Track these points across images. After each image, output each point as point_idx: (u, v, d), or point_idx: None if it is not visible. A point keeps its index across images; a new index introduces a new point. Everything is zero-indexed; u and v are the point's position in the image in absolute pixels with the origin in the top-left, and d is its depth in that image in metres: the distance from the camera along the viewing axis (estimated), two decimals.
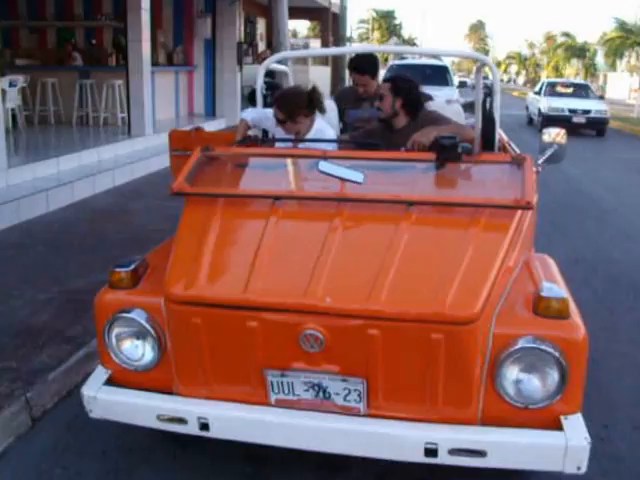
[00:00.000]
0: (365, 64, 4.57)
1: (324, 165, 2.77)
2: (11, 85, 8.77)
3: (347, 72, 14.25)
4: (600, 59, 43.84)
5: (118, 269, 2.54)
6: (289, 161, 3.26)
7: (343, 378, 2.16)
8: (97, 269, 4.72)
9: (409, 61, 17.03)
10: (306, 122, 3.71)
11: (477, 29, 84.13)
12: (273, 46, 15.22)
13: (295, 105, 3.67)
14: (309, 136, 3.78)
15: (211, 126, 11.31)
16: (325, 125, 3.94)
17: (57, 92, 10.42)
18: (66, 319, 3.85)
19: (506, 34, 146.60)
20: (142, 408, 2.39)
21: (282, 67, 4.89)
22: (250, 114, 4.04)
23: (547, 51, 56.35)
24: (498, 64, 79.69)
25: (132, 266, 2.55)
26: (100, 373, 2.53)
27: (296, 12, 15.96)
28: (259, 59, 15.16)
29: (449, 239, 2.38)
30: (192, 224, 2.67)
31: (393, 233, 2.34)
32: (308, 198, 2.69)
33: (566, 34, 50.71)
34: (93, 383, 2.48)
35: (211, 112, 12.13)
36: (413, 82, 3.86)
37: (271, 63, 4.37)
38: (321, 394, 2.21)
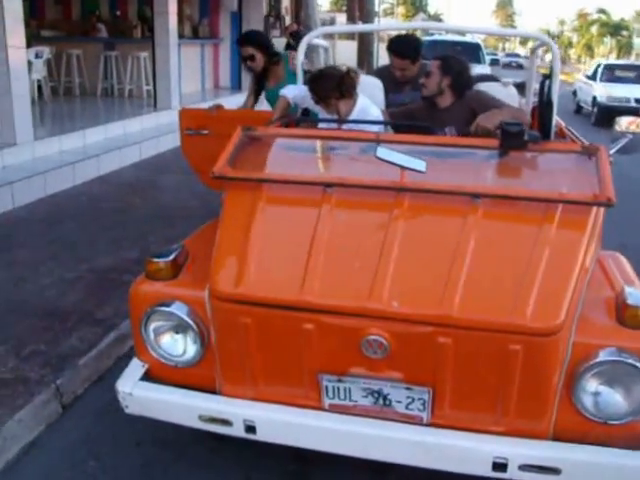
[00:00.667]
0: (407, 48, 4.27)
1: (382, 151, 2.56)
2: (37, 57, 8.62)
3: (375, 47, 13.91)
4: (636, 38, 42.83)
5: (156, 259, 2.36)
6: (338, 144, 3.07)
7: (407, 386, 2.02)
8: (125, 247, 4.60)
9: (440, 37, 16.60)
10: (346, 103, 3.53)
11: (505, 5, 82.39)
12: (301, 19, 14.94)
13: (325, 89, 3.46)
14: (352, 116, 3.60)
15: (237, 99, 11.09)
16: (369, 104, 3.73)
17: (82, 64, 10.26)
18: (95, 300, 3.72)
19: (534, 11, 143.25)
20: (183, 407, 2.24)
21: (323, 42, 4.68)
22: (292, 91, 3.84)
23: (579, 29, 54.93)
24: (524, 42, 78.26)
25: (171, 256, 2.38)
26: (136, 367, 2.38)
27: None
28: (286, 32, 14.83)
29: (522, 237, 2.17)
30: (236, 212, 2.50)
31: (460, 229, 2.14)
32: (364, 187, 2.48)
33: (602, 11, 49.39)
34: (129, 378, 2.33)
35: (237, 86, 11.87)
36: (465, 63, 3.67)
37: (312, 38, 4.16)
38: (381, 401, 2.06)
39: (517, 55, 38.79)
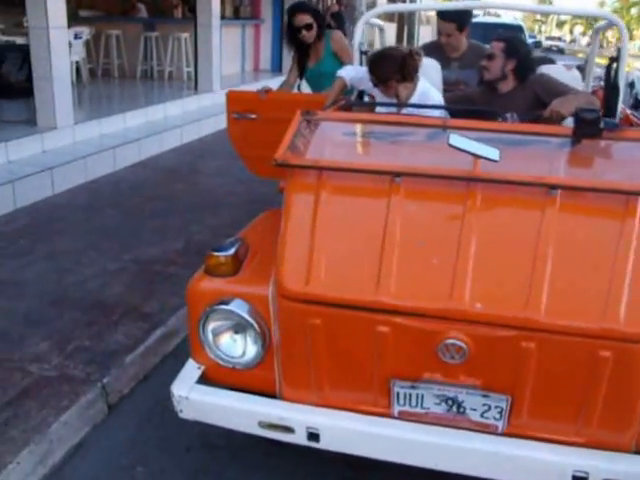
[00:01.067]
0: (452, 12, 4.08)
1: (455, 138, 2.36)
2: (76, 37, 8.49)
3: (416, 29, 13.45)
4: None
5: (217, 253, 2.20)
6: (403, 130, 2.85)
7: (484, 393, 1.88)
8: (170, 236, 4.46)
9: (481, 19, 16.12)
10: (406, 86, 3.32)
11: None
12: (341, 1, 14.60)
13: (385, 71, 3.27)
14: (412, 101, 3.37)
15: (277, 83, 10.89)
16: (430, 88, 3.49)
17: (121, 45, 10.13)
18: (141, 293, 3.58)
19: None
20: (242, 412, 2.09)
21: (378, 22, 4.45)
22: (349, 72, 3.63)
23: (619, 10, 53.34)
24: (561, 24, 76.16)
25: (233, 250, 2.21)
26: (191, 369, 2.23)
27: None
28: (327, 13, 14.50)
29: (604, 232, 2.00)
30: (300, 203, 2.31)
31: (538, 223, 1.97)
32: (435, 176, 2.28)
33: None
34: (184, 381, 2.18)
35: (277, 68, 11.65)
36: (529, 45, 3.49)
37: (370, 17, 3.93)
38: (455, 408, 1.93)
39: (559, 38, 37.25)
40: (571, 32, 72.87)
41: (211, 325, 2.14)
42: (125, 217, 4.84)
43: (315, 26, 4.27)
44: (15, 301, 3.44)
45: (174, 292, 3.59)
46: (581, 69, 5.26)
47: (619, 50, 3.61)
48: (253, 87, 10.01)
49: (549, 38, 37.93)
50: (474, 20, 17.15)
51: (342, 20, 14.43)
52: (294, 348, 2.03)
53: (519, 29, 15.18)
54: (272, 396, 2.14)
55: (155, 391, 2.97)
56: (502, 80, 3.27)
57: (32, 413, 2.53)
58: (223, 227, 4.68)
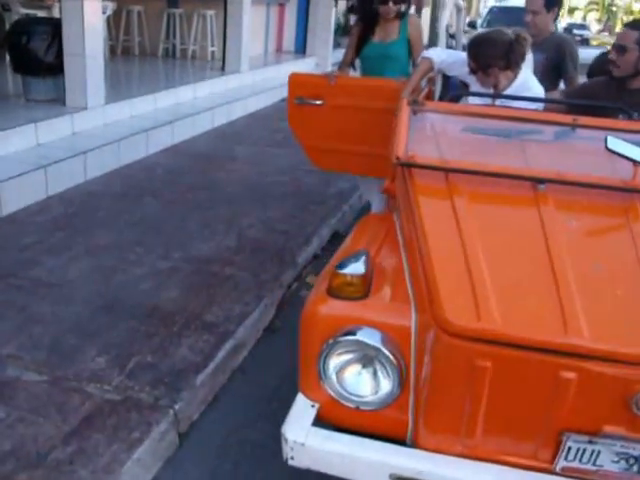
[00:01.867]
0: None
1: (614, 142, 2.02)
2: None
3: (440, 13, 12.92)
4: None
5: (343, 271, 1.83)
6: (525, 127, 2.48)
7: None
8: (219, 231, 4.08)
9: (512, 4, 15.58)
10: (507, 75, 2.96)
11: None
12: None
13: (489, 57, 2.90)
14: (510, 91, 2.99)
15: (301, 65, 10.44)
16: (531, 78, 3.11)
17: (143, 21, 9.64)
18: (199, 298, 3.20)
19: None
20: (370, 463, 1.74)
21: (459, 1, 4.05)
22: (440, 55, 3.24)
23: None
24: (571, 10, 74.73)
25: (363, 267, 1.83)
26: (304, 408, 1.87)
27: None
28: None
29: None
30: (436, 214, 1.97)
31: None
32: (588, 185, 1.96)
33: None
34: (297, 422, 1.82)
35: (301, 50, 11.17)
36: None
37: None
38: (635, 467, 1.62)
39: (583, 26, 35.43)
40: (584, 19, 71.18)
41: (334, 357, 1.78)
42: (167, 208, 4.45)
43: (401, 2, 3.88)
44: (61, 306, 3.06)
45: (236, 298, 3.23)
46: None
47: None
48: (276, 69, 9.63)
49: (571, 26, 36.12)
50: (506, 4, 16.72)
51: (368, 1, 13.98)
52: (446, 389, 1.68)
53: None
54: (400, 441, 1.80)
55: (227, 415, 2.62)
56: (634, 76, 2.87)
57: (100, 449, 2.16)
58: (275, 221, 4.31)
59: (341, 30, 12.75)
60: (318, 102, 3.76)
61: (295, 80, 3.93)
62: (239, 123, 7.26)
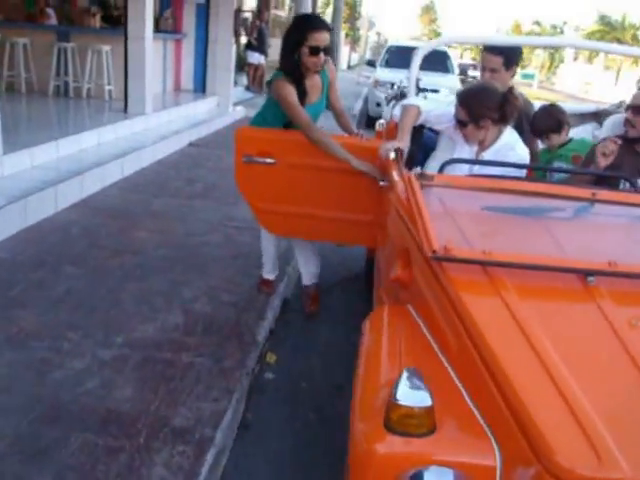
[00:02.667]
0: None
1: None
2: None
3: (338, 46, 13.04)
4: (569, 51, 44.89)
5: (407, 403, 1.53)
6: (542, 203, 2.34)
7: None
8: (160, 306, 3.64)
9: (407, 43, 16.08)
10: (496, 129, 2.88)
11: (428, 10, 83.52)
12: (263, 16, 13.97)
13: (485, 107, 2.83)
14: (494, 148, 2.90)
15: (201, 105, 10.06)
16: (517, 139, 3.02)
17: (29, 55, 8.88)
18: (160, 396, 2.77)
19: (465, 20, 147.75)
20: None
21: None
22: (427, 104, 3.08)
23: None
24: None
25: (429, 398, 1.55)
26: None
27: None
28: (253, 29, 13.82)
29: None
30: (489, 317, 1.77)
31: None
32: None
33: (536, 22, 51.13)
34: None
35: (201, 88, 10.77)
36: None
37: (432, 47, 3.43)
38: None
39: (475, 67, 34.71)
40: (461, 57, 74.37)
41: None
42: (93, 278, 3.93)
43: (327, 51, 3.29)
44: None
45: (203, 393, 2.83)
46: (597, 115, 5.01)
47: None
48: (180, 110, 9.19)
49: (463, 67, 33.03)
50: (399, 44, 17.23)
51: (264, 38, 13.84)
52: None
53: (444, 55, 15.20)
54: None
55: None
56: None
57: None
58: (220, 291, 3.92)
59: (237, 68, 12.51)
60: (270, 160, 3.46)
61: (244, 135, 3.58)
62: (150, 172, 6.76)
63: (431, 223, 1.99)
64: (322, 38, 3.21)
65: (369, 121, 13.46)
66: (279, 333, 3.71)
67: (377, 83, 13.42)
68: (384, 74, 13.64)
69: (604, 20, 34.30)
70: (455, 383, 1.74)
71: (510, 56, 3.43)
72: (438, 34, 78.67)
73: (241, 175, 3.60)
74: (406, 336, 1.96)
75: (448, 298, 1.85)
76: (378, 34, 53.92)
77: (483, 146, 2.92)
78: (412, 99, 3.27)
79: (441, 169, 2.51)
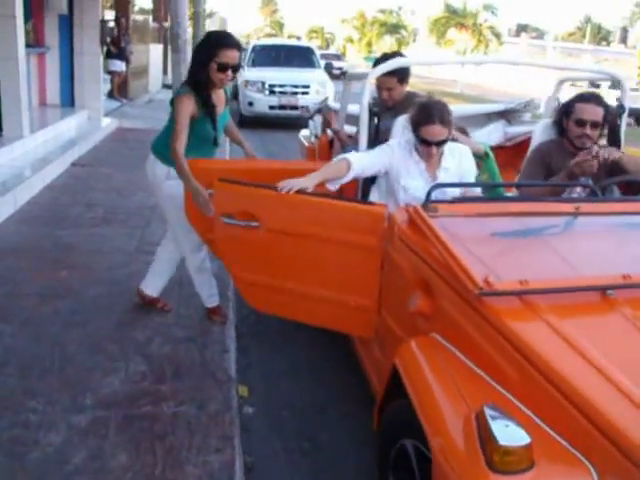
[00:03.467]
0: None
1: None
2: None
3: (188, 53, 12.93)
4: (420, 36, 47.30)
5: (509, 443, 1.56)
6: (533, 221, 2.44)
7: None
8: (116, 354, 3.43)
9: (271, 42, 16.07)
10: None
11: (269, 2, 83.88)
12: (122, 24, 13.30)
13: (448, 116, 2.88)
14: (444, 165, 2.98)
15: (69, 121, 9.43)
16: (467, 152, 3.12)
17: None
18: (158, 457, 2.59)
19: (307, 10, 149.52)
20: None
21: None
22: (361, 158, 2.98)
23: (360, 27, 58.50)
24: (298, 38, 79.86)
25: (527, 435, 1.57)
26: None
27: None
28: (120, 37, 13.11)
29: None
30: (547, 344, 1.83)
31: None
32: None
33: (382, 11, 52.96)
34: None
35: (68, 102, 10.07)
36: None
37: (382, 71, 3.37)
38: None
39: (338, 57, 34.22)
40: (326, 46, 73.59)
41: None
42: (29, 333, 3.56)
43: (236, 70, 3.36)
44: None
45: (203, 446, 2.68)
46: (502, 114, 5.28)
47: (621, 106, 3.58)
48: (56, 128, 8.52)
49: (327, 58, 30.22)
50: (264, 43, 17.14)
51: (124, 45, 13.19)
52: None
53: (310, 51, 15.51)
54: None
55: None
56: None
57: None
58: (171, 327, 3.74)
59: None
60: (254, 224, 2.89)
61: (223, 190, 3.04)
62: (44, 199, 6.24)
63: (461, 255, 2.01)
64: (232, 56, 3.25)
65: (243, 120, 13.37)
66: (241, 361, 3.59)
67: (247, 83, 13.39)
68: (253, 74, 13.64)
69: (449, 9, 36.54)
70: (525, 412, 1.77)
71: (402, 74, 3.70)
72: (281, 25, 79.43)
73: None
74: (452, 369, 1.97)
75: (496, 329, 1.88)
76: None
77: (433, 159, 2.97)
78: (349, 154, 3.02)
79: (428, 195, 2.48)
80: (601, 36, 63.90)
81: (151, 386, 3.11)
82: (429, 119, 2.79)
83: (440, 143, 2.85)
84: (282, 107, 13.32)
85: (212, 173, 3.23)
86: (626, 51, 49.09)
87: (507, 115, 5.20)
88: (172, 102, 3.36)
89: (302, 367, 3.62)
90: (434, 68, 44.25)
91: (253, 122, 13.43)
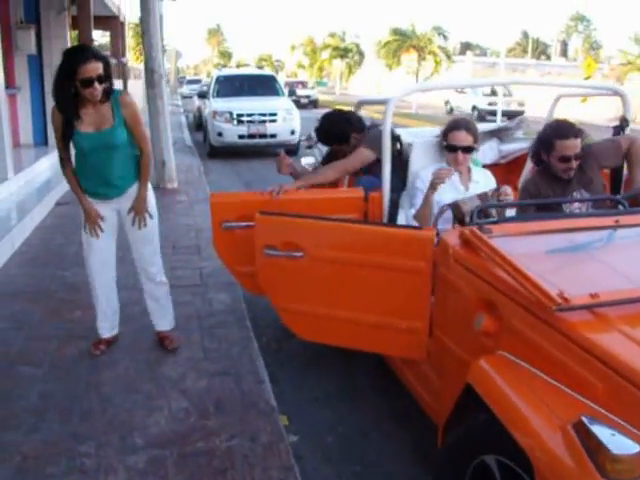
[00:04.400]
0: (330, 137, 4.02)
1: None
2: None
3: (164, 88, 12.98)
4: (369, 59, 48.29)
5: (618, 452, 1.63)
6: (575, 235, 2.59)
7: None
8: (152, 393, 3.45)
9: (234, 72, 16.23)
10: None
11: (215, 33, 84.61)
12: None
13: (475, 128, 3.37)
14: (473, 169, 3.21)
15: (44, 162, 9.33)
16: (488, 172, 3.35)
17: None
18: None
19: (256, 39, 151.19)
20: None
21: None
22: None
23: (310, 53, 59.30)
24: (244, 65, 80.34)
25: (636, 445, 1.66)
26: None
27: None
28: None
29: None
30: (627, 352, 1.89)
31: None
32: None
33: (332, 35, 53.81)
34: None
35: (42, 142, 9.99)
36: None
37: (404, 95, 3.52)
38: None
39: (304, 84, 33.40)
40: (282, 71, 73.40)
41: None
42: (60, 376, 3.53)
43: (104, 80, 3.28)
44: None
45: (266, 476, 2.70)
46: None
47: (624, 120, 3.78)
48: (35, 168, 8.41)
49: (291, 85, 30.10)
50: (227, 74, 17.26)
51: None
52: None
53: (272, 79, 15.76)
54: None
55: None
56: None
57: None
58: (201, 361, 3.74)
59: None
60: (297, 254, 2.95)
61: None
62: (38, 240, 6.16)
63: (529, 272, 2.11)
64: (92, 68, 3.20)
65: (213, 151, 13.46)
66: (273, 390, 3.61)
67: (215, 114, 13.46)
68: (219, 104, 13.74)
69: (397, 32, 37.36)
70: (617, 421, 1.84)
71: (342, 139, 3.96)
72: (229, 54, 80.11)
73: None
74: (532, 383, 2.05)
75: (576, 342, 1.96)
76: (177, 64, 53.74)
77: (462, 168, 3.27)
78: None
79: (472, 216, 2.61)
80: (540, 50, 66.21)
81: (197, 422, 3.12)
82: (455, 126, 3.08)
83: (466, 149, 3.07)
84: (251, 136, 13.43)
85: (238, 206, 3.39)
86: (567, 64, 51.23)
87: (499, 133, 5.39)
88: None
89: (333, 393, 3.66)
90: (383, 89, 45.38)
91: (223, 152, 13.52)
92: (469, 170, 3.30)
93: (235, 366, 3.71)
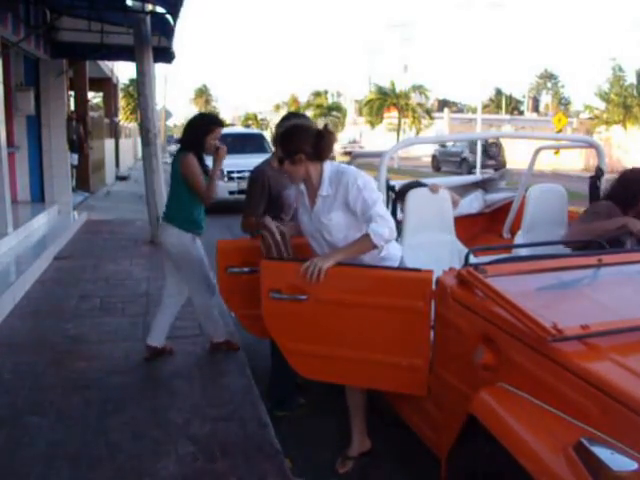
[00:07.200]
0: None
1: None
2: None
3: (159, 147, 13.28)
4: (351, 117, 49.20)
5: (618, 469, 1.76)
6: (561, 274, 2.75)
7: None
8: (159, 438, 3.53)
9: (224, 130, 16.56)
10: (314, 166, 3.17)
11: (202, 93, 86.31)
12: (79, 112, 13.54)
13: (298, 142, 3.16)
14: (325, 185, 3.10)
15: (46, 216, 9.50)
16: (344, 169, 3.32)
17: None
18: None
19: (242, 97, 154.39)
20: None
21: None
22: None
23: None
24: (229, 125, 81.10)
25: (634, 462, 1.78)
26: None
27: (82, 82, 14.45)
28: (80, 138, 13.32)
29: None
30: (621, 379, 2.02)
31: None
32: None
33: (317, 93, 54.93)
34: None
35: (39, 198, 10.17)
36: None
37: (399, 149, 3.73)
38: None
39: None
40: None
41: None
42: (68, 425, 3.59)
43: None
44: None
45: None
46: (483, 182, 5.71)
47: (599, 170, 4.01)
48: (32, 224, 8.58)
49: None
50: (227, 132, 17.69)
51: (78, 139, 13.42)
52: None
53: (261, 137, 16.15)
54: None
55: None
56: None
57: None
58: (205, 408, 3.80)
59: None
60: (302, 297, 3.01)
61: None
62: (38, 293, 6.25)
63: (525, 307, 2.26)
64: (218, 133, 4.47)
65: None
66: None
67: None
68: (210, 162, 13.99)
69: (380, 91, 38.58)
70: (613, 442, 1.94)
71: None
72: (216, 114, 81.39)
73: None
74: (533, 412, 2.17)
75: (570, 370, 2.09)
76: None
77: (314, 186, 3.10)
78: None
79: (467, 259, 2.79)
80: (513, 106, 68.03)
81: (205, 465, 3.18)
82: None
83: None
84: (241, 192, 13.68)
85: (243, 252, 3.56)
86: (539, 118, 53.05)
87: (484, 185, 5.65)
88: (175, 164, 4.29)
89: (333, 433, 3.73)
90: (366, 144, 46.37)
91: (213, 208, 13.70)
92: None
93: (238, 411, 3.79)
